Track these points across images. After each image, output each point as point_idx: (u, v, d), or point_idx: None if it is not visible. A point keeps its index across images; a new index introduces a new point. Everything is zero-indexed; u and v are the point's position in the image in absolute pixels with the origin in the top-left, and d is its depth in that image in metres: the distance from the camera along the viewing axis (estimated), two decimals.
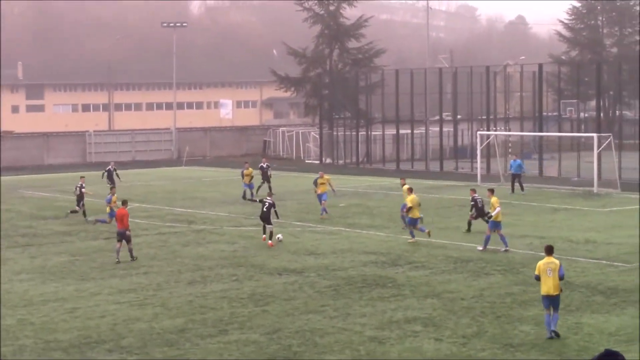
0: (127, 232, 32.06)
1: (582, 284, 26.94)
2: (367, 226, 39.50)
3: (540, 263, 21.80)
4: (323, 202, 42.74)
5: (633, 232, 36.26)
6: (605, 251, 32.34)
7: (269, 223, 34.86)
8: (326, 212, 42.40)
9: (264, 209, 34.94)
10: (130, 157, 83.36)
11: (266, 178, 50.74)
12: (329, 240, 35.80)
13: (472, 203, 35.64)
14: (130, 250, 32.28)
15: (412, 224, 34.87)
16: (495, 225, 33.08)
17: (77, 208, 42.98)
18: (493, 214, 33.19)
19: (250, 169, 49.75)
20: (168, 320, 23.87)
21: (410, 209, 34.91)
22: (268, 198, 35.90)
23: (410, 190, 36.29)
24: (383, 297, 25.97)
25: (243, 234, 37.70)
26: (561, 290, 21.83)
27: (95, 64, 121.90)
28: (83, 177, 44.98)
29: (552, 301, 21.48)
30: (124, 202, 33.70)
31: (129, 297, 26.51)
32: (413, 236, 34.84)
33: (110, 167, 53.97)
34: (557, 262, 21.81)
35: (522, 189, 50.74)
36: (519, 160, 52.34)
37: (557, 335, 21.44)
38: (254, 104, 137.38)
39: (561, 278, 21.65)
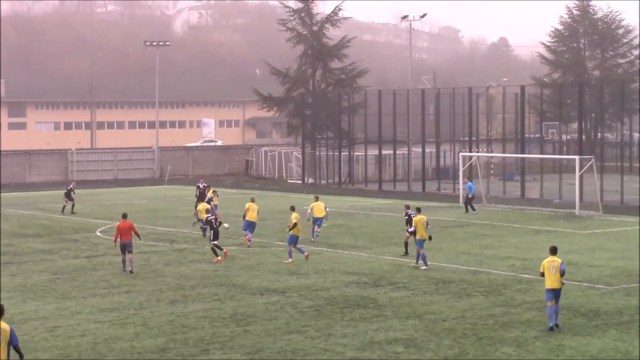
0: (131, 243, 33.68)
1: (564, 306, 26.93)
2: (350, 246, 39.47)
3: (545, 262, 24.79)
4: (317, 226, 41.57)
5: (614, 254, 36.38)
6: (587, 273, 32.40)
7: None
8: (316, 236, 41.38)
9: (215, 227, 35.63)
10: (113, 175, 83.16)
11: (202, 198, 49.16)
12: (311, 261, 35.73)
13: (406, 218, 36.81)
14: (131, 261, 33.37)
15: (420, 246, 34.22)
16: (419, 244, 33.85)
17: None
18: (410, 230, 35.13)
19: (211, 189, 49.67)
20: (149, 340, 23.74)
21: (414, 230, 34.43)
22: (211, 216, 36.75)
23: (419, 210, 35.62)
24: (365, 317, 25.92)
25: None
26: (563, 284, 24.73)
27: (78, 82, 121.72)
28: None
29: (555, 294, 24.42)
30: (124, 215, 34.50)
31: (110, 316, 26.37)
32: (421, 262, 34.00)
33: (71, 185, 54.83)
34: (559, 260, 24.82)
35: (472, 209, 51.48)
36: (469, 182, 52.83)
37: (557, 326, 24.20)
38: (236, 123, 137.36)
39: (562, 274, 24.60)
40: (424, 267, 33.41)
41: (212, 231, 35.83)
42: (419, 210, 35.39)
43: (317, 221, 41.54)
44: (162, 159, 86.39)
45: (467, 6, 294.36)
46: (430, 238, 34.39)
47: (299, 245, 35.39)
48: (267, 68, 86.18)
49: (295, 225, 35.25)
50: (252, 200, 41.36)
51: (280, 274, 32.87)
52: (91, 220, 49.68)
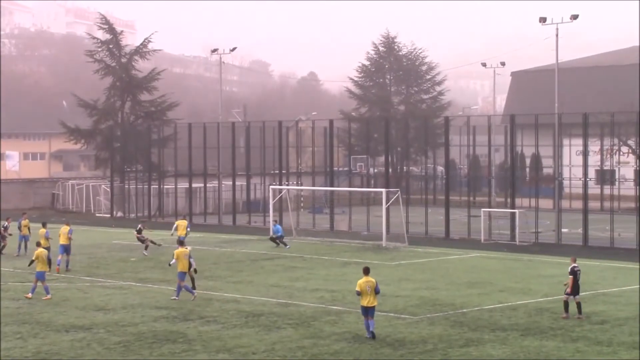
0: None
1: (371, 337, 27.37)
2: (159, 280, 38.94)
3: (361, 281, 27.09)
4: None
5: (419, 284, 37.34)
6: (394, 304, 33.05)
7: None
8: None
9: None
10: None
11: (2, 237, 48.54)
12: (119, 295, 35.07)
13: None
14: None
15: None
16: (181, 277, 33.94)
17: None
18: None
19: (27, 220, 48.56)
20: None
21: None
22: None
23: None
24: (174, 352, 25.59)
25: (28, 290, 36.36)
26: (376, 303, 27.08)
27: None
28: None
29: (369, 311, 26.97)
30: None
31: None
32: None
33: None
34: (374, 280, 27.16)
35: (285, 244, 51.35)
36: (277, 225, 53.46)
37: (374, 336, 26.72)
38: (42, 156, 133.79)
39: (377, 292, 27.14)
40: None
41: None
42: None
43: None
44: None
45: (277, 41, 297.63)
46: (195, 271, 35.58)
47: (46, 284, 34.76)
48: (74, 100, 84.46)
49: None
50: (67, 224, 43.96)
51: (87, 309, 32.07)
52: None
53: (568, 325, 28.97)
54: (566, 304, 30.36)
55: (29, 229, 48.53)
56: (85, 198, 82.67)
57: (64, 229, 43.46)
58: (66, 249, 42.57)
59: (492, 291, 36.01)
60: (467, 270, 42.11)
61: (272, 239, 51.99)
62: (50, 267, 35.76)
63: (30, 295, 34.37)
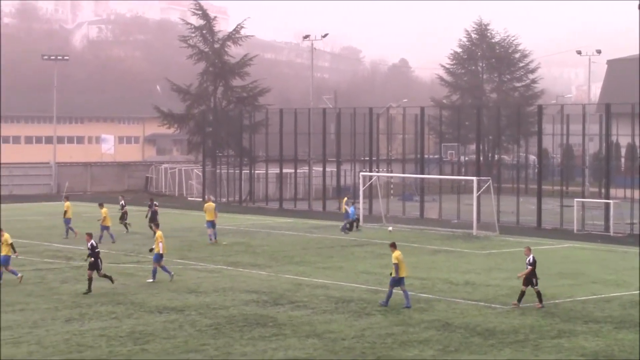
0: None
1: (461, 325, 27.26)
2: (250, 265, 39.32)
3: (398, 254, 29.64)
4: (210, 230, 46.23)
5: (510, 274, 36.92)
6: (484, 293, 32.83)
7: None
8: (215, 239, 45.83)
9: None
10: (8, 191, 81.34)
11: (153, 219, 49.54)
12: (210, 279, 35.49)
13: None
14: None
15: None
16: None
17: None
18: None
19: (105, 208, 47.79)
20: (43, 359, 23.23)
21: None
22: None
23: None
24: (264, 336, 25.80)
25: (122, 271, 37.07)
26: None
27: None
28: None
29: (400, 282, 29.65)
30: None
31: (4, 335, 25.72)
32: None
33: None
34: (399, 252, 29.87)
35: (356, 228, 52.85)
36: (353, 207, 53.41)
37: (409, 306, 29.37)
38: (136, 140, 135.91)
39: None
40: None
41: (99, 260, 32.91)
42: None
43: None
44: (60, 175, 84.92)
45: (368, 27, 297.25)
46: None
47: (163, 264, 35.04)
48: (168, 85, 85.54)
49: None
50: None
51: (179, 292, 32.54)
52: None
53: None
54: None
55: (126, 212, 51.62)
56: (178, 182, 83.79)
57: (209, 205, 47.13)
58: (213, 224, 46.62)
59: (584, 282, 35.51)
60: (559, 261, 41.58)
61: (347, 228, 51.81)
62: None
63: (152, 280, 34.81)
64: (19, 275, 34.29)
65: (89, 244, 32.67)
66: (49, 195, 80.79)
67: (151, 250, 35.65)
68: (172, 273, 35.02)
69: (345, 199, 53.99)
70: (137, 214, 55.85)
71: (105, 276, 32.79)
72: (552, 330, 26.83)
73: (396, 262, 29.77)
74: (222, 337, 25.70)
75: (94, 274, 32.42)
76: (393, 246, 30.51)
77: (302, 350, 24.21)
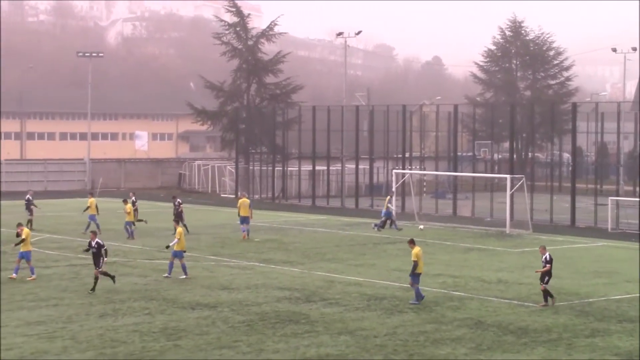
0: None
1: (494, 324, 27.17)
2: (282, 262, 39.39)
3: (418, 251, 30.03)
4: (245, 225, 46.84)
5: None
6: (517, 291, 32.70)
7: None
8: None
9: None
10: (43, 187, 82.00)
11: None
12: (243, 275, 35.60)
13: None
14: None
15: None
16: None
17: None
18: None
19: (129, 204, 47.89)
20: (78, 354, 23.39)
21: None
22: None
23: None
24: (296, 333, 25.84)
25: (156, 267, 37.26)
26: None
27: (7, 92, 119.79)
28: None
29: (418, 278, 30.10)
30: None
31: (38, 330, 25.94)
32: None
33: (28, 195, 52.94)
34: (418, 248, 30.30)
35: (394, 225, 52.30)
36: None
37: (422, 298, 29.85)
38: (170, 137, 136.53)
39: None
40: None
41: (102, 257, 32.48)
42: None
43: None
44: (94, 171, 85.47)
45: (401, 25, 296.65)
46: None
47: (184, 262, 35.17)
48: (201, 82, 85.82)
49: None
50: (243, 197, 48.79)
51: (212, 288, 32.66)
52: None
53: None
54: None
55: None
56: (211, 178, 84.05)
57: (244, 201, 47.46)
58: (246, 220, 46.94)
59: (619, 281, 35.27)
60: (593, 260, 41.35)
61: (381, 225, 51.77)
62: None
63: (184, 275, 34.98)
64: (34, 276, 34.15)
65: (94, 242, 32.33)
66: (83, 192, 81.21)
67: (168, 247, 35.84)
68: (187, 274, 34.95)
69: (389, 197, 53.72)
70: (168, 210, 55.99)
71: (105, 274, 32.48)
72: (585, 329, 26.68)
73: (415, 259, 30.15)
74: (254, 333, 25.76)
75: (99, 272, 32.17)
76: (412, 242, 30.94)
77: (334, 347, 24.22)
